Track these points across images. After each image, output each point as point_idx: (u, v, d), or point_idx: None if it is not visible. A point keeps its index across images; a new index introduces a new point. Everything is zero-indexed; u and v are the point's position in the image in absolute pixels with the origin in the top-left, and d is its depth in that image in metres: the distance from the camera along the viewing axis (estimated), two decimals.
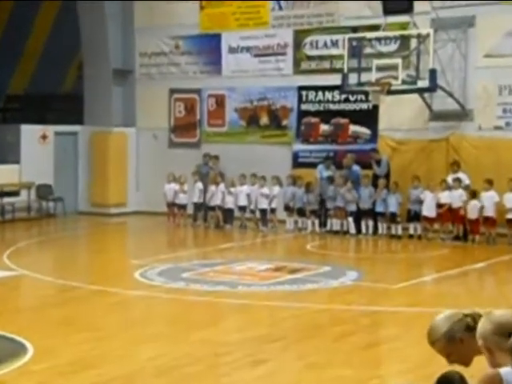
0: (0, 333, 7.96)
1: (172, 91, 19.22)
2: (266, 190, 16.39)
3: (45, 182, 18.66)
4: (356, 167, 16.08)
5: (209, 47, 18.68)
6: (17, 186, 18.31)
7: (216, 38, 18.56)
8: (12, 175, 18.19)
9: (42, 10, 21.13)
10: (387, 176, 15.60)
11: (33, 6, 20.81)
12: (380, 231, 15.44)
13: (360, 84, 14.90)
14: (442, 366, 3.64)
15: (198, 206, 17.18)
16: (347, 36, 15.35)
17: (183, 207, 17.27)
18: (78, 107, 19.76)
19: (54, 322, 8.74)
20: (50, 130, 19.02)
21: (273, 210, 16.51)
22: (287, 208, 16.52)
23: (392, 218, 15.31)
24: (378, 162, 15.82)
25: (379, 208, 15.42)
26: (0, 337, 7.85)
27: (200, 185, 17.11)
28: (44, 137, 18.86)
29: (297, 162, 17.59)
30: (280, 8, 17.77)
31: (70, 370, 6.88)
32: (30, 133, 18.57)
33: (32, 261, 13.18)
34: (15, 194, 18.21)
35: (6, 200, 17.83)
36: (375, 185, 15.52)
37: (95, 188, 19.28)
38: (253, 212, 16.62)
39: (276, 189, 16.44)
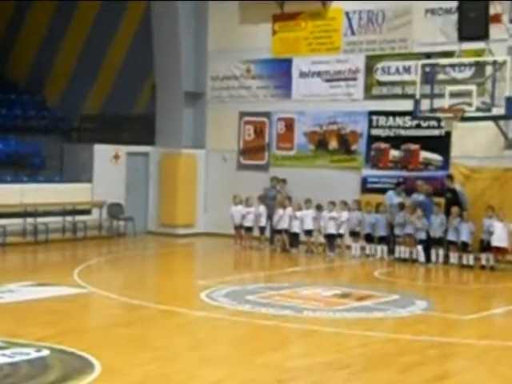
0: (69, 349, 8.09)
1: (242, 114, 19.38)
2: (334, 214, 16.27)
3: (116, 201, 19.01)
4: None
5: (280, 71, 18.79)
6: (89, 204, 18.71)
7: (287, 63, 18.66)
8: (84, 194, 18.60)
9: (117, 33, 21.69)
10: (460, 204, 15.27)
11: (109, 29, 21.38)
12: (451, 261, 15.12)
13: (432, 110, 14.71)
14: None
15: (261, 229, 17.19)
16: (420, 62, 15.19)
17: (249, 229, 17.30)
18: (149, 128, 20.12)
19: (121, 341, 8.84)
20: (123, 150, 19.40)
21: (341, 236, 16.38)
22: (353, 233, 16.36)
23: (464, 248, 14.97)
24: (450, 190, 15.53)
25: (451, 237, 15.12)
26: (69, 353, 7.97)
27: (262, 208, 17.12)
28: (116, 157, 19.25)
29: (365, 187, 17.44)
30: (352, 33, 17.75)
31: None
32: (102, 152, 18.98)
33: (101, 279, 13.39)
34: (87, 212, 18.60)
35: (78, 218, 18.22)
36: (447, 213, 15.22)
37: (164, 208, 19.53)
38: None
39: (344, 214, 16.31)
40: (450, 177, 15.73)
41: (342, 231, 16.30)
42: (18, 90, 22.31)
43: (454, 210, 15.07)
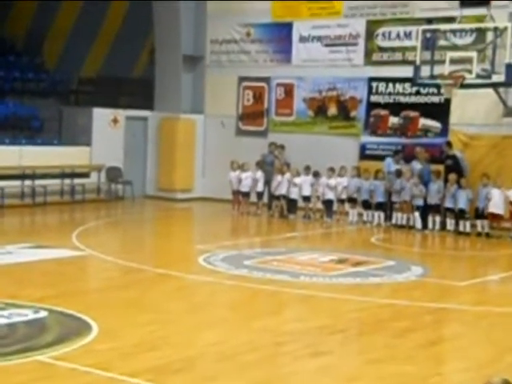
0: (66, 311, 8.16)
1: (241, 79, 19.26)
2: (332, 181, 16.29)
3: (114, 164, 19.00)
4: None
5: (280, 36, 18.64)
6: (87, 167, 18.70)
7: (287, 27, 18.50)
8: (83, 157, 18.59)
9: None
10: (460, 171, 15.27)
11: None
12: (448, 227, 15.17)
13: (432, 77, 14.63)
14: (505, 365, 3.55)
15: (258, 195, 17.23)
16: (421, 28, 15.06)
17: (247, 195, 17.33)
18: (148, 92, 20.02)
19: (118, 303, 8.91)
20: (121, 114, 19.34)
21: (342, 201, 16.40)
22: (351, 200, 16.39)
23: (461, 215, 15.02)
24: (449, 157, 15.51)
25: (448, 204, 15.15)
26: (66, 315, 8.04)
27: (260, 173, 17.13)
28: (115, 121, 19.19)
29: (364, 154, 17.42)
30: None
31: (131, 351, 6.99)
32: (101, 116, 18.92)
33: (99, 242, 13.45)
34: (86, 175, 18.60)
35: (77, 181, 18.22)
36: (447, 180, 15.24)
37: (163, 173, 19.54)
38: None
39: (343, 180, 16.32)
40: (449, 143, 15.71)
41: (343, 196, 16.31)
42: (16, 52, 22.14)
43: (452, 177, 15.09)
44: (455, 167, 15.34)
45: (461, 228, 15.00)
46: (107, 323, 7.77)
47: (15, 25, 22.79)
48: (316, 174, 16.48)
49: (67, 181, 18.09)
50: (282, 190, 16.74)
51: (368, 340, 7.91)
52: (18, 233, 14.28)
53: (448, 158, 15.57)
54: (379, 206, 16.01)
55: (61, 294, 9.01)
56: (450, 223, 15.16)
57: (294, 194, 16.65)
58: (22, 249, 11.90)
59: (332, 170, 16.39)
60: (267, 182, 17.23)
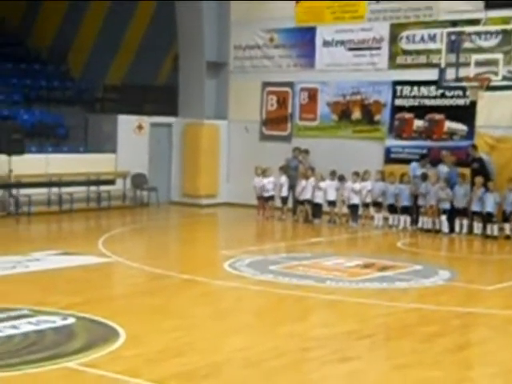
0: (94, 317, 8.20)
1: (265, 84, 19.29)
2: (357, 186, 16.22)
3: (140, 171, 19.11)
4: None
5: (303, 40, 18.65)
6: (113, 174, 18.82)
7: (311, 32, 18.50)
8: (108, 164, 18.71)
9: (140, 3, 21.60)
10: (486, 174, 15.13)
11: None
12: (475, 231, 15.04)
13: (458, 79, 14.53)
14: None
15: (283, 200, 17.22)
16: (446, 30, 14.96)
17: (270, 199, 17.31)
18: (172, 99, 20.11)
19: (145, 310, 8.93)
20: (146, 120, 19.45)
21: (367, 205, 16.33)
22: (376, 204, 16.32)
23: (488, 218, 14.88)
24: (476, 160, 15.39)
25: (475, 207, 15.02)
26: (93, 321, 8.09)
27: (284, 178, 17.12)
28: (140, 127, 19.30)
29: (389, 157, 17.34)
30: (377, 1, 17.52)
31: (158, 357, 7.00)
32: (126, 123, 19.03)
33: (125, 248, 13.51)
34: (111, 182, 18.71)
35: (103, 188, 18.34)
36: (473, 183, 15.11)
37: (187, 179, 19.60)
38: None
39: (368, 184, 16.26)
40: (474, 146, 15.58)
41: (368, 200, 16.24)
42: (42, 61, 22.38)
43: (478, 180, 14.95)
44: (481, 170, 15.21)
45: (488, 231, 14.85)
46: (134, 329, 7.80)
47: (41, 34, 23.04)
48: (341, 179, 16.43)
49: (93, 188, 18.21)
50: (307, 195, 16.70)
51: (395, 345, 7.86)
52: (44, 240, 14.41)
53: (474, 160, 15.44)
54: (405, 210, 15.91)
55: (88, 301, 9.06)
56: (477, 227, 15.02)
57: (319, 198, 16.60)
58: (49, 256, 12.00)
59: (357, 174, 16.33)
60: (292, 187, 17.21)
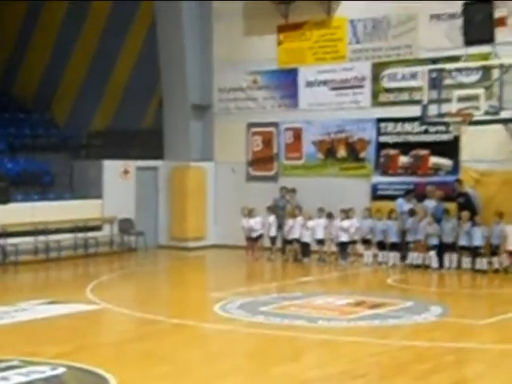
0: (84, 366, 8.07)
1: (250, 125, 19.39)
2: (345, 224, 16.22)
3: (126, 216, 19.03)
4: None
5: (286, 81, 18.82)
6: (100, 220, 18.73)
7: (293, 73, 18.68)
8: (95, 210, 18.62)
9: (123, 49, 21.78)
10: (472, 208, 15.19)
11: (115, 45, 21.47)
12: (464, 265, 15.03)
13: (440, 115, 14.66)
14: None
15: (272, 240, 17.19)
16: (427, 68, 15.13)
17: (258, 240, 17.27)
18: (158, 142, 20.14)
19: (135, 356, 8.81)
20: (132, 165, 19.43)
21: (354, 242, 16.33)
22: (365, 241, 16.31)
23: (476, 252, 14.88)
24: (461, 195, 15.46)
25: (463, 241, 15.04)
26: (84, 370, 7.96)
27: (272, 218, 17.12)
28: (126, 172, 19.28)
29: (376, 194, 17.39)
30: (357, 41, 17.76)
31: None
32: (112, 168, 19.01)
33: (114, 294, 13.37)
34: (98, 228, 18.61)
35: (89, 234, 18.23)
36: (459, 218, 15.15)
37: (175, 222, 19.54)
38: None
39: (355, 221, 16.26)
40: (459, 181, 15.67)
41: (356, 238, 16.24)
42: (26, 109, 22.41)
43: (465, 214, 15.00)
44: (467, 204, 15.27)
45: (477, 266, 14.85)
46: (124, 376, 7.68)
47: (24, 83, 23.13)
48: (330, 216, 16.43)
49: (80, 234, 18.10)
50: (295, 234, 16.68)
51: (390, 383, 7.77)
52: (32, 289, 14.25)
53: (460, 195, 15.51)
54: (394, 247, 15.90)
55: (77, 349, 8.93)
56: (466, 261, 15.02)
57: (307, 237, 16.58)
58: (37, 305, 11.84)
59: (344, 211, 16.35)
60: (280, 227, 17.19)
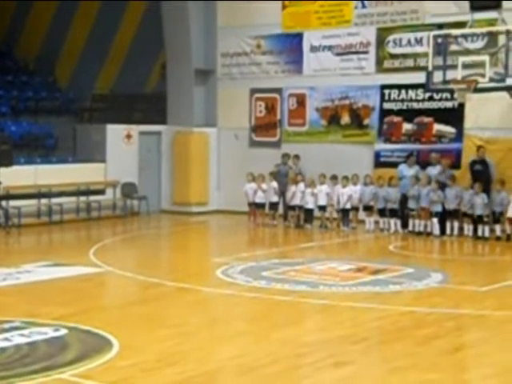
0: (86, 328, 8.14)
1: (253, 91, 19.28)
2: (347, 190, 16.23)
3: (129, 180, 19.05)
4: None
5: (290, 46, 18.66)
6: (102, 184, 18.75)
7: (298, 37, 18.52)
8: (98, 174, 18.63)
9: (127, 12, 21.59)
10: (488, 177, 15.07)
11: (118, 8, 21.28)
12: (465, 233, 15.06)
13: (445, 82, 14.54)
14: None
15: (273, 206, 17.20)
16: (432, 33, 15.00)
17: (262, 206, 17.31)
18: (161, 107, 20.08)
19: (138, 319, 8.88)
20: (135, 129, 19.40)
21: (356, 209, 16.35)
22: (366, 208, 16.32)
23: (478, 220, 14.90)
24: (478, 162, 15.26)
25: (466, 209, 15.04)
26: (86, 332, 8.03)
27: (274, 184, 17.12)
28: (129, 136, 19.25)
29: (379, 161, 17.36)
30: (363, 6, 17.58)
31: (153, 366, 6.96)
32: (115, 132, 18.98)
33: (117, 258, 13.45)
34: (101, 192, 18.65)
35: (92, 198, 18.27)
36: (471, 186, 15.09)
37: (177, 187, 19.56)
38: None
39: (357, 188, 16.27)
40: (481, 147, 15.42)
41: (358, 204, 16.26)
42: (29, 72, 22.31)
43: (478, 185, 14.80)
44: (484, 172, 15.13)
45: (479, 233, 14.88)
46: (127, 339, 7.75)
47: (27, 45, 22.98)
48: (334, 178, 16.40)
49: (83, 198, 18.15)
50: (297, 200, 16.70)
51: (390, 348, 7.83)
52: (35, 251, 14.31)
53: (476, 162, 15.38)
54: (393, 213, 15.91)
55: (80, 312, 9.01)
56: (468, 228, 15.05)
57: (310, 203, 16.60)
58: (40, 267, 11.92)
59: (346, 178, 16.34)
60: (282, 193, 17.20)
